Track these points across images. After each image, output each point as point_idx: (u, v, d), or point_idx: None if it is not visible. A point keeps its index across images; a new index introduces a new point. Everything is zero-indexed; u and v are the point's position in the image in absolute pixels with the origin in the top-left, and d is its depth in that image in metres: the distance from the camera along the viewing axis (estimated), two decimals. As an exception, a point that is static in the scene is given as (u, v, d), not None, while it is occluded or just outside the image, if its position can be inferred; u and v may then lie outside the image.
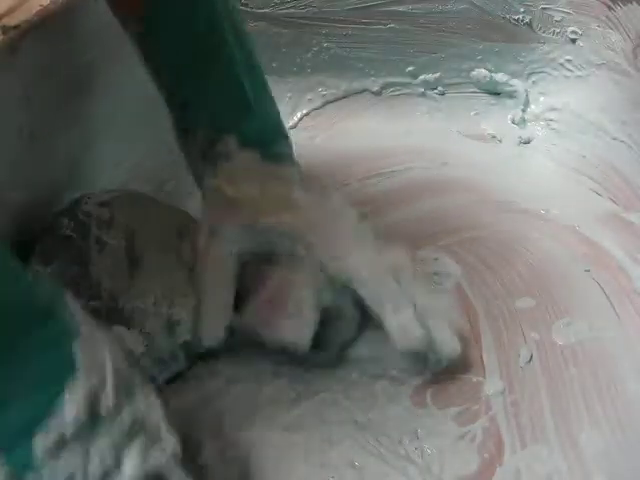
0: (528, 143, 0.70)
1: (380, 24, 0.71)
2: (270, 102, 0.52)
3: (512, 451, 0.46)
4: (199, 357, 0.49)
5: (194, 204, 0.54)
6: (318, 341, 0.47)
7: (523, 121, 0.71)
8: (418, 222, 0.63)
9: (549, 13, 0.68)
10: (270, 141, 0.51)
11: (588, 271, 0.58)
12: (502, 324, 0.54)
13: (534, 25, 0.69)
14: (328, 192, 0.51)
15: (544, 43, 0.69)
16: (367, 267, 0.48)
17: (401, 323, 0.47)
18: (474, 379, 0.50)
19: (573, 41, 0.68)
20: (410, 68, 0.73)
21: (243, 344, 0.48)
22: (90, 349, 0.35)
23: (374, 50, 0.72)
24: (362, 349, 0.51)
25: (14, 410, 0.33)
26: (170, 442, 0.36)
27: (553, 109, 0.70)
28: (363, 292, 0.48)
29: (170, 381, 0.48)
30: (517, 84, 0.71)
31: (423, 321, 0.47)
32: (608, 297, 0.55)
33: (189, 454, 0.39)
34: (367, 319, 0.49)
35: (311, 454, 0.46)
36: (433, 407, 0.48)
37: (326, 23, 0.71)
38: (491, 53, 0.71)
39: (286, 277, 0.48)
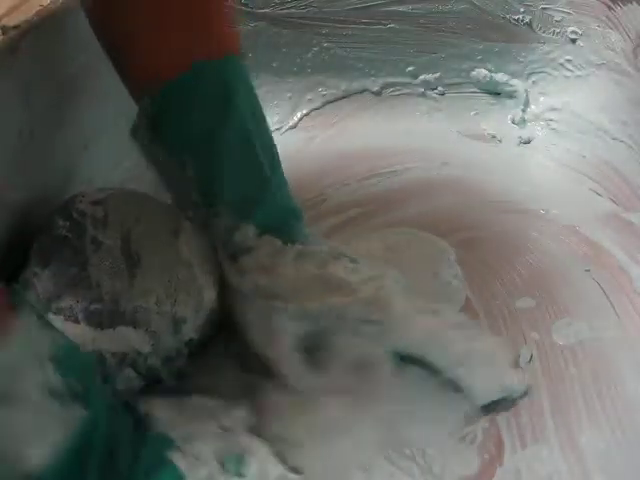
0: (528, 143, 0.70)
1: (380, 24, 0.71)
2: (283, 179, 0.50)
3: (512, 451, 0.46)
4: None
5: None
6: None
7: (523, 121, 0.71)
8: (418, 222, 0.63)
9: (549, 13, 0.68)
10: (286, 222, 0.50)
11: (588, 271, 0.58)
12: (502, 324, 0.54)
13: (534, 25, 0.69)
14: (357, 259, 0.50)
15: (544, 43, 0.69)
16: (434, 335, 0.47)
17: (481, 383, 0.46)
18: (474, 379, 0.50)
19: (573, 41, 0.68)
20: (410, 68, 0.73)
21: None
22: None
23: (374, 50, 0.72)
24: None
25: None
26: None
27: (553, 109, 0.70)
28: (435, 360, 0.47)
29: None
30: (517, 84, 0.71)
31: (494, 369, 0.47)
32: (608, 297, 0.55)
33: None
34: None
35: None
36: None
37: (326, 23, 0.71)
38: (491, 53, 0.71)
39: None
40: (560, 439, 0.46)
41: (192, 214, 0.49)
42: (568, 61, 0.69)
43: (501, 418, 0.48)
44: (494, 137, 0.72)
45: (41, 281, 0.45)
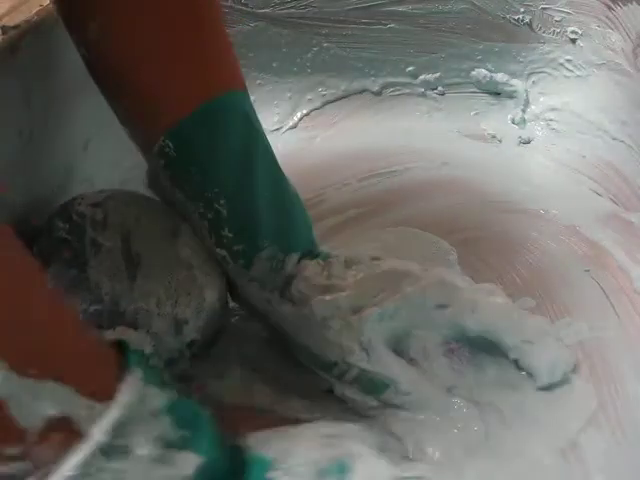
0: (528, 143, 0.70)
1: (380, 24, 0.71)
2: (302, 206, 0.50)
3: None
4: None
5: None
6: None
7: (523, 121, 0.71)
8: (418, 222, 0.63)
9: (549, 13, 0.68)
10: (313, 243, 0.50)
11: (588, 271, 0.57)
12: (502, 324, 0.54)
13: (534, 25, 0.69)
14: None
15: (544, 43, 0.69)
16: (506, 313, 0.48)
17: (548, 362, 0.47)
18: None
19: (573, 41, 0.68)
20: (410, 68, 0.73)
21: None
22: None
23: (374, 50, 0.72)
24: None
25: None
26: None
27: (553, 109, 0.70)
28: (506, 338, 0.47)
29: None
30: (517, 84, 0.71)
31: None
32: (608, 297, 0.55)
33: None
34: None
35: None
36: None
37: (326, 23, 0.71)
38: (491, 53, 0.71)
39: None
40: (560, 439, 0.47)
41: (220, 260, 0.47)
42: (568, 61, 0.69)
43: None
44: (494, 137, 0.72)
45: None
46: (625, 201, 0.63)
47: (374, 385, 0.46)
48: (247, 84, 0.49)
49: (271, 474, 0.36)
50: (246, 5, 0.70)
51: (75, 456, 0.29)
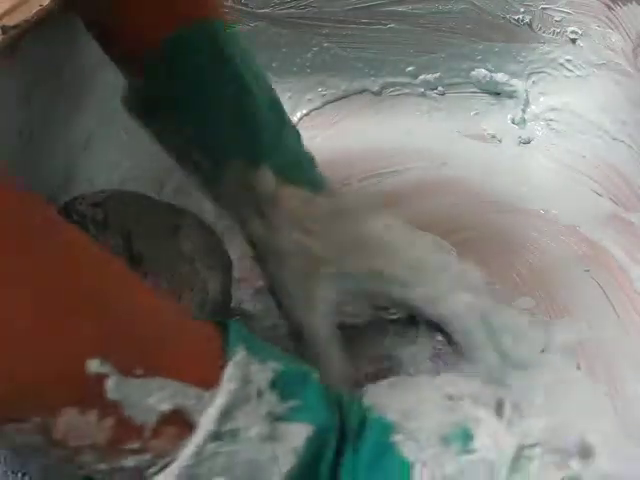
0: (528, 143, 0.70)
1: (380, 24, 0.71)
2: (294, 130, 0.50)
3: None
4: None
5: (194, 204, 0.54)
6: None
7: (523, 121, 0.71)
8: (418, 222, 0.63)
9: (549, 13, 0.68)
10: (303, 167, 0.49)
11: (588, 271, 0.58)
12: (502, 324, 0.54)
13: (534, 25, 0.69)
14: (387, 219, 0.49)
15: (544, 43, 0.69)
16: (462, 309, 0.47)
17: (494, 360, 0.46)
18: (474, 379, 0.50)
19: (573, 41, 0.68)
20: (410, 68, 0.73)
21: None
22: None
23: (374, 50, 0.72)
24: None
25: None
26: None
27: (553, 109, 0.70)
28: (475, 335, 0.47)
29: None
30: (517, 84, 0.71)
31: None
32: (608, 297, 0.55)
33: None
34: None
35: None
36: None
37: (326, 23, 0.71)
38: (491, 53, 0.71)
39: None
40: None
41: (199, 178, 0.48)
42: (568, 61, 0.69)
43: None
44: (494, 137, 0.72)
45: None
46: (625, 201, 0.63)
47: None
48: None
49: (394, 438, 0.35)
50: (246, 5, 0.70)
51: (189, 447, 0.30)
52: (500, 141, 0.71)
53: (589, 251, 0.59)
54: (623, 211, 0.62)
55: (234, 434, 0.31)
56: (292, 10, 0.71)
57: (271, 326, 0.52)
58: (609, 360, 0.51)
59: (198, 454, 0.31)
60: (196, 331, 0.34)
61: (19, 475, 0.43)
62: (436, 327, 0.48)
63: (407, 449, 0.34)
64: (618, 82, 0.65)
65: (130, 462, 0.30)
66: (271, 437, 0.32)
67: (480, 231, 0.62)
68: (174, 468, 0.30)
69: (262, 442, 0.32)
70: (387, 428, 0.35)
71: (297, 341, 0.46)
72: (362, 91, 0.74)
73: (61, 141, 0.54)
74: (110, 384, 0.28)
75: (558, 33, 0.68)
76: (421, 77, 0.73)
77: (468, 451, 0.34)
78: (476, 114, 0.73)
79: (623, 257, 0.58)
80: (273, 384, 0.33)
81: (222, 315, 0.49)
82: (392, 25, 0.71)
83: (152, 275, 0.46)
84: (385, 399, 0.37)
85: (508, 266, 0.58)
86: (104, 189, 0.51)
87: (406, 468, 0.34)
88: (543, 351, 0.47)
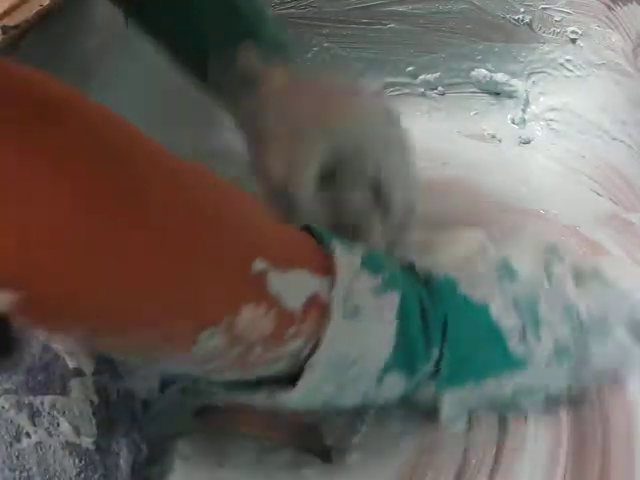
0: (528, 143, 0.70)
1: (380, 24, 0.71)
2: (278, 20, 0.52)
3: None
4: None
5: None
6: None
7: (523, 121, 0.71)
8: (418, 222, 0.63)
9: (549, 13, 0.68)
10: (291, 53, 0.50)
11: (588, 271, 0.58)
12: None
13: (534, 25, 0.69)
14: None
15: (544, 43, 0.69)
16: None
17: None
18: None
19: (573, 41, 0.68)
20: (410, 68, 0.73)
21: None
22: None
23: (374, 50, 0.72)
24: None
25: None
26: None
27: (553, 109, 0.70)
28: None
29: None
30: (517, 84, 0.71)
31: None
32: (608, 297, 0.55)
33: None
34: None
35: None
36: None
37: (326, 23, 0.71)
38: (491, 53, 0.71)
39: None
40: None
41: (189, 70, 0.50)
42: (568, 61, 0.69)
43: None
44: (494, 137, 0.72)
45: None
46: (625, 201, 0.63)
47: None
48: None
49: (461, 290, 0.40)
50: (246, 5, 0.70)
51: (330, 324, 0.35)
52: (500, 141, 0.71)
53: (589, 251, 0.59)
54: (623, 211, 0.62)
55: (356, 311, 0.36)
56: (292, 10, 0.71)
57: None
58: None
59: (335, 329, 0.35)
60: (298, 232, 0.39)
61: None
62: None
63: (478, 294, 0.40)
64: (618, 82, 0.65)
65: (289, 347, 0.35)
66: (377, 307, 0.37)
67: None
68: (323, 346, 0.35)
69: (373, 313, 0.37)
70: (453, 283, 0.41)
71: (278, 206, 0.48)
72: (362, 91, 0.74)
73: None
74: (270, 278, 0.33)
75: (558, 33, 0.68)
76: (421, 77, 0.73)
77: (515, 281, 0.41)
78: (476, 114, 0.73)
79: (623, 257, 0.58)
80: (363, 264, 0.38)
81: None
82: (392, 25, 0.71)
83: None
84: (436, 259, 0.42)
85: (508, 266, 0.58)
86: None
87: (484, 310, 0.40)
88: None
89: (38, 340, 0.43)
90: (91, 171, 0.28)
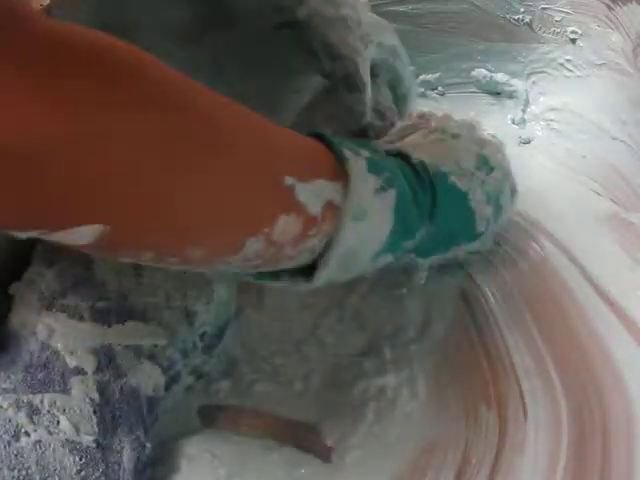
0: (528, 143, 0.70)
1: (380, 24, 0.71)
2: None
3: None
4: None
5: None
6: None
7: (523, 121, 0.71)
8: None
9: (549, 13, 0.68)
10: None
11: (588, 271, 0.58)
12: (502, 324, 0.54)
13: (534, 25, 0.69)
14: None
15: (544, 43, 0.69)
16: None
17: None
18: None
19: (573, 41, 0.68)
20: (410, 68, 0.73)
21: None
22: None
23: (374, 50, 0.72)
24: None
25: None
26: None
27: (553, 109, 0.70)
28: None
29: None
30: (517, 84, 0.71)
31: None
32: (609, 297, 0.55)
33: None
34: None
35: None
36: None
37: (326, 23, 0.71)
38: (491, 53, 0.71)
39: None
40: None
41: None
42: (568, 61, 0.69)
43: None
44: (494, 137, 0.72)
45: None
46: (625, 201, 0.63)
47: None
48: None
49: (451, 179, 0.48)
50: (246, 5, 0.70)
51: (341, 223, 0.41)
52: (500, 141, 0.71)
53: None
54: (623, 211, 0.62)
55: (363, 214, 0.42)
56: (292, 10, 0.70)
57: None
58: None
59: (346, 230, 0.41)
60: (312, 142, 0.43)
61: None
62: None
63: (461, 184, 0.49)
64: (618, 82, 0.65)
65: (309, 245, 0.41)
66: (378, 205, 0.43)
67: (480, 231, 0.62)
68: (335, 244, 0.42)
69: (375, 211, 0.43)
70: (445, 175, 0.48)
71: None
72: (362, 91, 0.74)
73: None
74: (298, 189, 0.39)
75: (558, 33, 0.68)
76: (421, 77, 0.73)
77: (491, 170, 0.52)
78: (476, 114, 0.73)
79: (623, 257, 0.58)
80: (369, 169, 0.43)
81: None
82: (393, 25, 0.71)
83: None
84: (434, 156, 0.49)
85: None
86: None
87: (465, 197, 0.49)
88: None
89: (36, 338, 0.43)
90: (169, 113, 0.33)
